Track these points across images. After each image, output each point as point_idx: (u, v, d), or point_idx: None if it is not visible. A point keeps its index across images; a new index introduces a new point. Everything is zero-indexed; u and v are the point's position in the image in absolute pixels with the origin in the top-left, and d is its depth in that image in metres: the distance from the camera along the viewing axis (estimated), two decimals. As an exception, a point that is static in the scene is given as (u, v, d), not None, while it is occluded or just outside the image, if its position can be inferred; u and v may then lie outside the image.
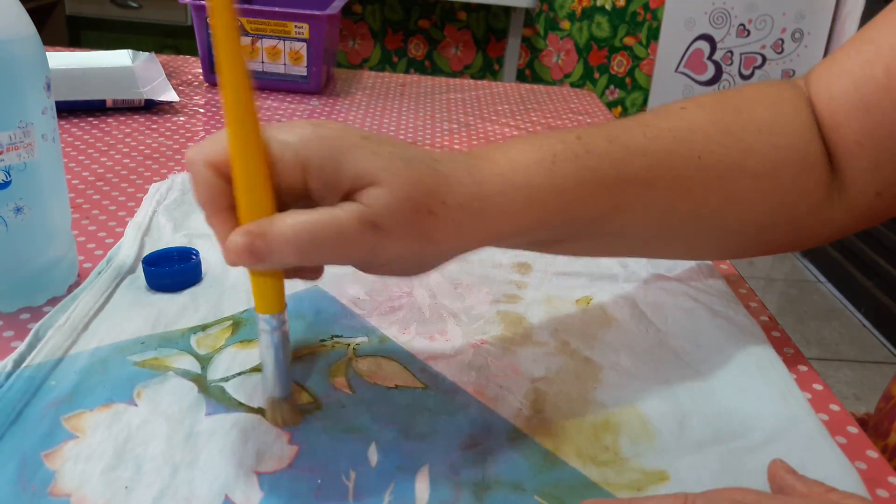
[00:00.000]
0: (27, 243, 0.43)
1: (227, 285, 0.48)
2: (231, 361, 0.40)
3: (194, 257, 0.48)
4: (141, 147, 0.73)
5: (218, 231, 0.32)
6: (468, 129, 0.88)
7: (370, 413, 0.37)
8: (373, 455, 0.34)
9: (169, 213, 0.56)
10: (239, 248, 0.30)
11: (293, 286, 0.48)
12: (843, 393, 1.76)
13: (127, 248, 0.50)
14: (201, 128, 0.80)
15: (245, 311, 0.45)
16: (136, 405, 0.36)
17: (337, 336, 0.43)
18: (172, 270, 0.46)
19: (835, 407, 0.41)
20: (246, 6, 0.92)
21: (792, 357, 0.46)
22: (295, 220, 0.30)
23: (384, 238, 0.32)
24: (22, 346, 0.39)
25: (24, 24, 0.40)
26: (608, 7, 2.52)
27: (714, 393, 0.41)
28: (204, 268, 0.49)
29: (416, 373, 0.40)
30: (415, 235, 0.33)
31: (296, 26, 0.90)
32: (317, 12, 0.90)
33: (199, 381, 0.38)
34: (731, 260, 0.47)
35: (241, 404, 0.37)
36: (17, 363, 0.38)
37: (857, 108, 0.42)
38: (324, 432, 0.35)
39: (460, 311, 0.47)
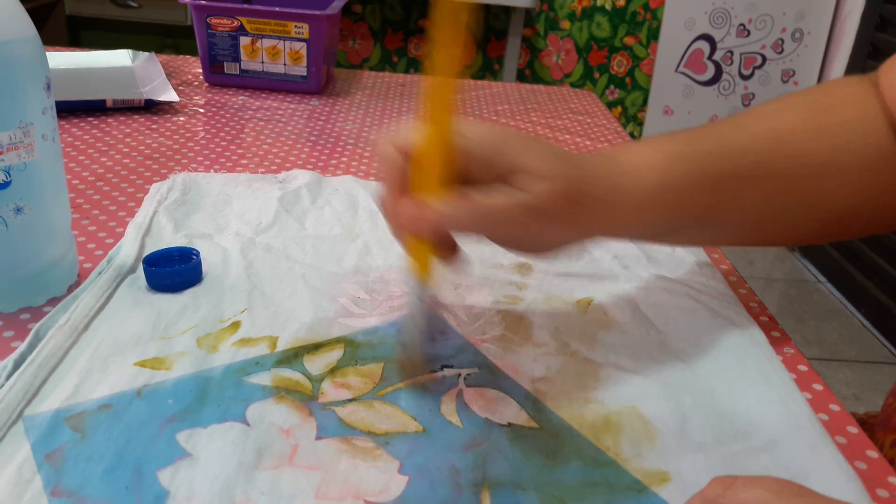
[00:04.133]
0: (27, 243, 0.43)
1: (228, 285, 0.48)
2: (344, 383, 0.40)
3: (195, 257, 0.48)
4: (141, 147, 0.72)
5: (389, 202, 0.38)
6: (468, 129, 0.88)
7: (484, 450, 0.36)
8: (486, 501, 0.33)
9: (170, 214, 0.56)
10: (415, 215, 0.37)
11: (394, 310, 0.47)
12: (842, 393, 1.76)
13: (127, 248, 0.50)
14: (201, 128, 0.80)
15: (361, 331, 0.44)
16: (248, 425, 0.36)
17: (448, 366, 0.42)
18: (173, 270, 0.46)
19: (835, 407, 0.41)
20: (246, 6, 0.92)
21: (792, 357, 0.46)
22: (476, 199, 0.37)
23: (544, 222, 0.38)
24: (22, 346, 0.39)
25: (24, 24, 0.40)
26: (608, 7, 2.52)
27: (715, 394, 0.41)
28: (204, 268, 0.49)
29: (529, 411, 0.39)
30: (565, 221, 0.39)
31: (296, 26, 0.90)
32: (317, 12, 0.90)
33: (311, 402, 0.38)
34: (805, 245, 0.51)
35: (352, 427, 0.36)
36: (18, 363, 0.38)
37: None
38: (434, 467, 0.34)
39: (460, 311, 0.47)
